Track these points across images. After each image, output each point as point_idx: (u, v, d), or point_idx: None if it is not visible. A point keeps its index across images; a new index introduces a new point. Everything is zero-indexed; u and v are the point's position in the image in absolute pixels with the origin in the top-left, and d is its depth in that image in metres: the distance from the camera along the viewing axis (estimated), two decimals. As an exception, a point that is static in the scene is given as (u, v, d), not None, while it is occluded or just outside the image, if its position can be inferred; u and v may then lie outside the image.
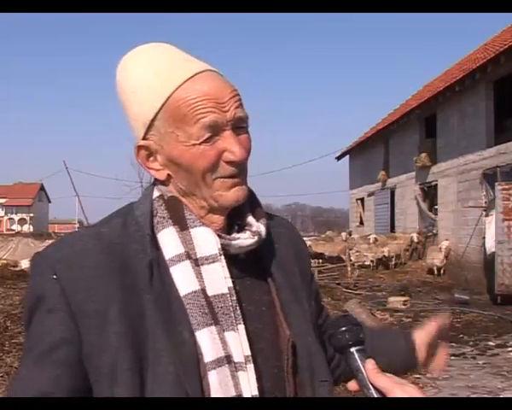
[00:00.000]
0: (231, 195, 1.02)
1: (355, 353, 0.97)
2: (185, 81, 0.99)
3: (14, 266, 18.18)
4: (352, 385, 0.98)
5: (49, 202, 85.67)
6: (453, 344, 8.87)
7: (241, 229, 1.06)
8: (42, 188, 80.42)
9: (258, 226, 1.06)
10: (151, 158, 1.04)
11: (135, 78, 1.02)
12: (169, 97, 0.99)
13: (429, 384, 6.62)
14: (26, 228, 71.63)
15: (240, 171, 1.02)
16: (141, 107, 1.01)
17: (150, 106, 1.00)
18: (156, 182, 1.08)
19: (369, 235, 20.93)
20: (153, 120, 1.01)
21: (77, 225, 58.38)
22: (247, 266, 1.06)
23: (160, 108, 0.99)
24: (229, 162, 1.00)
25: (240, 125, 1.02)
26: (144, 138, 1.03)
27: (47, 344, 0.93)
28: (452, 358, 8.04)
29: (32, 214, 78.05)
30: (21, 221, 78.02)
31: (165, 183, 1.06)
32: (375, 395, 0.94)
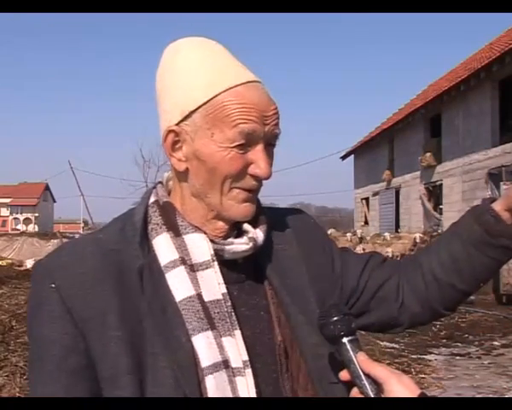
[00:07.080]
0: (242, 209, 1.02)
1: (347, 343, 0.97)
2: (239, 85, 0.98)
3: (19, 266, 18.26)
4: (344, 375, 0.97)
5: (54, 201, 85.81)
6: (458, 344, 8.86)
7: (240, 234, 1.05)
8: (47, 188, 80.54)
9: (255, 233, 1.05)
10: (177, 146, 1.02)
11: (189, 62, 1.00)
12: (217, 95, 0.97)
13: (434, 384, 6.61)
14: (31, 228, 71.75)
15: (259, 187, 1.03)
16: (185, 94, 0.99)
17: (195, 97, 0.98)
18: (155, 185, 1.08)
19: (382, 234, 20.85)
20: (192, 112, 0.98)
21: (82, 225, 58.63)
22: (246, 271, 1.05)
23: (205, 103, 0.97)
24: (254, 176, 1.00)
25: (272, 143, 1.02)
26: (177, 125, 1.01)
27: (56, 355, 0.93)
28: (457, 358, 8.03)
29: (37, 214, 78.23)
30: (26, 221, 78.23)
31: (181, 176, 1.04)
32: (368, 386, 0.94)
